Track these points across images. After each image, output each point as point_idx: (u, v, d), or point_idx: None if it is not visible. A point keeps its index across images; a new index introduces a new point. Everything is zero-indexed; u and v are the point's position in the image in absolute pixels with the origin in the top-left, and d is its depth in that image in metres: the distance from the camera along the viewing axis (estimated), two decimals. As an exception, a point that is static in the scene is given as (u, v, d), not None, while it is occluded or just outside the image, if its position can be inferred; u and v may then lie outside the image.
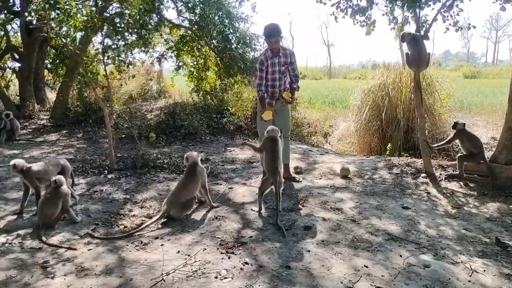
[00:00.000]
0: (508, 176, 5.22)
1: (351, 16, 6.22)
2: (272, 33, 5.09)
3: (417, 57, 5.54)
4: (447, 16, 5.77)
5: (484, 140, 7.91)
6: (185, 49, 11.03)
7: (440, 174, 5.68)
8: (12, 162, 4.35)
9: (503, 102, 5.68)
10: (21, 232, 3.90)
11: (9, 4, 11.04)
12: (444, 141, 5.95)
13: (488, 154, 5.96)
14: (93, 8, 6.10)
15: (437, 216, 4.37)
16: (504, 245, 3.66)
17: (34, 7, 5.39)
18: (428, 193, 5.12)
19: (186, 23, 10.80)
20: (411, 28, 6.08)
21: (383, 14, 6.26)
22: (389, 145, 7.82)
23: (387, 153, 7.55)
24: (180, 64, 11.23)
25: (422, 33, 5.69)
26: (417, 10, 5.70)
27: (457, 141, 5.73)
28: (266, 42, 5.27)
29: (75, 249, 3.50)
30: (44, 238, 3.67)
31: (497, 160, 5.54)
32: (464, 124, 5.63)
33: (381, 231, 3.92)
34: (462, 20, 5.95)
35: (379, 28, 6.43)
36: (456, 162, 5.63)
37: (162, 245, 3.60)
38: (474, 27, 6.18)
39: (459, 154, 5.64)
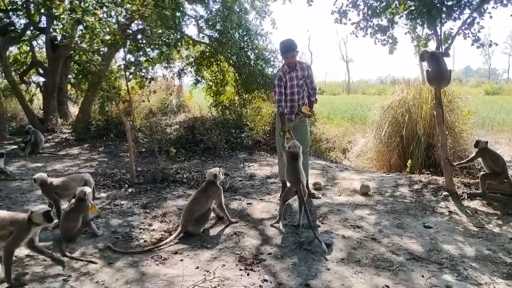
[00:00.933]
0: (532, 196, 5.09)
1: (372, 36, 6.23)
2: (289, 48, 5.11)
3: (438, 74, 5.49)
4: (468, 34, 5.73)
5: (507, 158, 7.74)
6: (204, 64, 11.20)
7: (462, 192, 5.57)
8: (34, 176, 4.49)
9: (527, 119, 5.57)
10: (44, 245, 3.96)
11: (36, 21, 11.40)
12: (466, 159, 5.85)
13: (511, 172, 5.84)
14: (115, 26, 6.27)
15: (460, 235, 4.28)
16: None
17: (61, 25, 5.57)
18: (450, 211, 5.02)
19: (206, 40, 10.99)
20: (433, 44, 6.05)
21: (405, 33, 6.25)
22: (409, 161, 7.72)
23: (407, 170, 7.45)
24: (199, 78, 11.41)
25: (442, 50, 5.65)
26: (437, 28, 5.68)
27: (479, 159, 5.63)
28: (283, 57, 5.28)
29: (95, 263, 3.54)
30: (66, 251, 3.73)
31: (521, 179, 5.42)
32: (487, 142, 5.53)
33: (403, 250, 3.86)
34: (483, 36, 5.90)
35: (398, 44, 6.41)
36: (478, 180, 5.53)
37: (181, 260, 3.61)
38: (496, 44, 6.14)
39: (481, 173, 5.53)
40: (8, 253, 3.15)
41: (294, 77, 5.21)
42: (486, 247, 3.98)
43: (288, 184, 4.68)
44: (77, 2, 5.48)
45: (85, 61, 8.18)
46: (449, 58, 5.62)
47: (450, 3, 5.58)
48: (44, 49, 13.51)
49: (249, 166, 7.59)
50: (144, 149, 8.72)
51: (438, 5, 5.47)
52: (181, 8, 9.76)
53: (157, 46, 7.81)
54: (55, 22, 8.19)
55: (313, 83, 5.44)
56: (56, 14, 5.30)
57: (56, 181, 4.66)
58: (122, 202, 5.30)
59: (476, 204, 5.28)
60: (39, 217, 3.24)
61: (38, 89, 13.98)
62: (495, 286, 3.21)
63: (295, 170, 4.54)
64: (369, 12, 6.10)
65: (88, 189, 4.19)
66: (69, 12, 5.33)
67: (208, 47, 10.99)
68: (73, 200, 4.20)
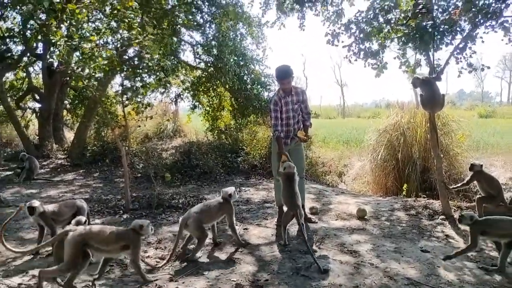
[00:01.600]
0: (529, 218, 5.08)
1: (363, 59, 6.32)
2: (284, 75, 5.17)
3: (431, 99, 5.56)
4: (460, 58, 5.82)
5: (502, 180, 7.76)
6: (201, 89, 11.30)
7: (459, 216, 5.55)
8: (27, 204, 4.41)
9: (521, 142, 5.63)
10: (37, 272, 3.89)
11: (32, 47, 11.51)
12: (461, 183, 5.86)
13: (507, 195, 5.85)
14: (114, 52, 6.33)
15: (457, 259, 4.25)
16: None
17: (58, 52, 5.62)
18: (447, 235, 5.00)
19: (202, 65, 11.12)
20: (422, 70, 6.14)
21: (394, 58, 6.34)
22: (405, 185, 7.72)
23: (403, 193, 7.44)
24: (196, 103, 11.48)
25: (434, 75, 5.73)
26: (430, 53, 5.78)
27: (475, 182, 5.64)
28: (279, 83, 5.34)
29: (90, 291, 3.47)
30: (59, 280, 3.66)
31: (517, 201, 5.43)
32: (481, 165, 5.56)
33: (400, 275, 3.82)
34: (475, 61, 5.99)
35: (392, 67, 6.52)
36: (475, 203, 5.53)
37: (177, 288, 3.56)
38: (488, 67, 6.21)
39: (477, 196, 5.54)
40: None
41: (290, 102, 5.26)
42: (485, 272, 3.95)
43: (285, 208, 4.68)
44: (74, 29, 5.54)
45: (81, 87, 8.20)
46: (441, 82, 5.71)
47: (442, 28, 5.70)
48: (40, 75, 13.59)
49: (245, 191, 7.57)
50: (139, 174, 8.68)
51: (430, 30, 5.58)
52: (178, 35, 9.92)
53: (154, 72, 7.89)
54: (52, 48, 8.27)
55: (308, 108, 5.49)
56: (53, 40, 5.34)
57: (50, 207, 4.61)
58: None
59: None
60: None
61: (34, 115, 13.99)
62: (495, 311, 3.17)
63: (291, 193, 4.56)
64: (361, 36, 6.21)
65: (83, 218, 4.16)
66: (66, 39, 5.38)
67: (205, 72, 11.11)
68: (67, 227, 4.15)
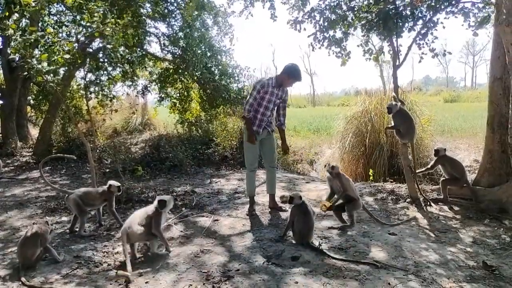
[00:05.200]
0: (491, 199, 5.28)
1: (327, 47, 6.37)
2: (301, 77, 5.24)
3: (409, 129, 5.61)
4: (423, 44, 5.94)
5: (466, 163, 8.04)
6: (168, 81, 11.11)
7: (424, 199, 5.71)
8: None
9: (483, 125, 5.82)
10: (1, 273, 3.77)
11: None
12: (426, 167, 6.03)
13: (472, 177, 6.05)
14: (75, 44, 6.14)
15: (423, 241, 4.37)
16: (492, 268, 3.66)
17: (15, 46, 5.40)
18: (414, 218, 5.13)
19: (169, 57, 10.93)
20: (385, 57, 6.22)
21: (358, 46, 6.41)
22: (371, 171, 7.87)
23: (371, 179, 7.59)
24: (163, 95, 11.30)
25: (399, 61, 5.82)
26: (394, 39, 5.86)
27: (440, 166, 5.80)
28: (289, 80, 5.23)
29: (56, 291, 3.39)
30: (23, 279, 3.55)
31: (479, 183, 5.63)
32: (445, 149, 5.73)
33: (369, 258, 3.90)
34: (438, 46, 6.13)
35: (359, 55, 6.58)
36: (440, 186, 5.69)
37: (146, 282, 3.51)
38: (450, 53, 6.38)
39: (442, 178, 5.70)
40: None
41: (275, 94, 5.26)
42: (449, 252, 4.08)
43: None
44: (27, 21, 5.33)
45: (42, 82, 7.91)
46: (407, 68, 5.83)
47: (404, 14, 5.79)
48: (1, 71, 13.07)
49: (216, 182, 7.54)
50: (108, 170, 8.50)
51: (393, 16, 5.66)
52: (143, 26, 9.70)
53: (119, 65, 7.72)
54: (12, 43, 7.96)
55: (286, 109, 5.57)
56: (7, 34, 5.12)
57: None
58: (85, 226, 5.12)
59: (438, 209, 5.42)
60: None
61: (-5, 112, 13.46)
62: (459, 289, 3.28)
63: (306, 223, 4.28)
64: (325, 24, 6.24)
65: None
66: (21, 33, 5.18)
67: (172, 64, 10.93)
68: (34, 226, 4.03)
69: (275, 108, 5.42)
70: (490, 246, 4.22)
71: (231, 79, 10.50)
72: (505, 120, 5.11)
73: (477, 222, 4.94)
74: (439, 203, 5.60)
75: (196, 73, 10.08)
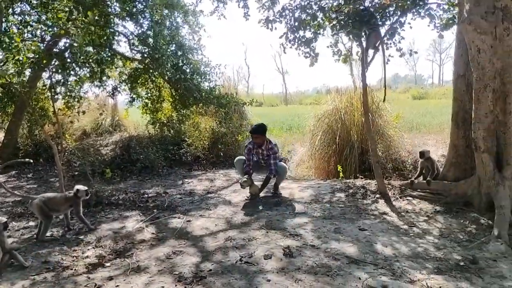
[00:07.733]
0: (456, 193, 5.43)
1: (297, 48, 6.42)
2: (254, 131, 6.07)
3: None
4: (390, 44, 6.06)
5: (435, 158, 8.24)
6: (139, 81, 10.92)
7: (393, 193, 5.84)
8: None
9: (449, 121, 6.00)
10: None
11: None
12: (418, 173, 6.24)
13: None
14: (40, 44, 5.97)
15: (393, 235, 4.46)
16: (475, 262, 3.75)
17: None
18: (383, 213, 5.24)
19: (138, 56, 10.74)
20: (354, 57, 6.33)
21: (327, 46, 6.50)
22: (339, 167, 7.98)
23: (341, 175, 7.69)
24: (134, 96, 11.10)
25: (366, 61, 5.93)
26: (362, 39, 5.95)
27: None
28: (251, 136, 6.16)
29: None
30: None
31: (446, 177, 5.79)
32: (429, 151, 6.10)
33: (340, 254, 3.95)
34: (405, 45, 6.29)
35: (330, 54, 6.66)
36: (406, 181, 5.87)
37: (117, 286, 3.45)
38: (416, 52, 6.54)
39: (428, 179, 5.82)
40: None
41: (260, 153, 6.20)
42: (418, 245, 4.18)
43: None
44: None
45: (6, 84, 7.61)
46: (376, 67, 5.96)
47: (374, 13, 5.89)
48: (-38, 72, 12.57)
49: (188, 183, 7.48)
50: (76, 173, 8.32)
51: (364, 16, 5.75)
52: (112, 25, 9.50)
53: (86, 65, 7.52)
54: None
55: (276, 159, 6.11)
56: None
57: None
58: (52, 230, 4.98)
59: (407, 204, 5.55)
60: None
61: (-42, 115, 12.93)
62: (428, 282, 3.36)
63: None
64: (296, 24, 6.28)
65: (3, 219, 3.91)
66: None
67: (141, 64, 10.75)
68: None
69: (266, 159, 6.19)
70: (457, 239, 4.35)
71: (203, 78, 10.41)
72: (469, 116, 5.27)
73: (444, 215, 5.08)
74: (407, 198, 5.73)
75: (167, 73, 9.96)
